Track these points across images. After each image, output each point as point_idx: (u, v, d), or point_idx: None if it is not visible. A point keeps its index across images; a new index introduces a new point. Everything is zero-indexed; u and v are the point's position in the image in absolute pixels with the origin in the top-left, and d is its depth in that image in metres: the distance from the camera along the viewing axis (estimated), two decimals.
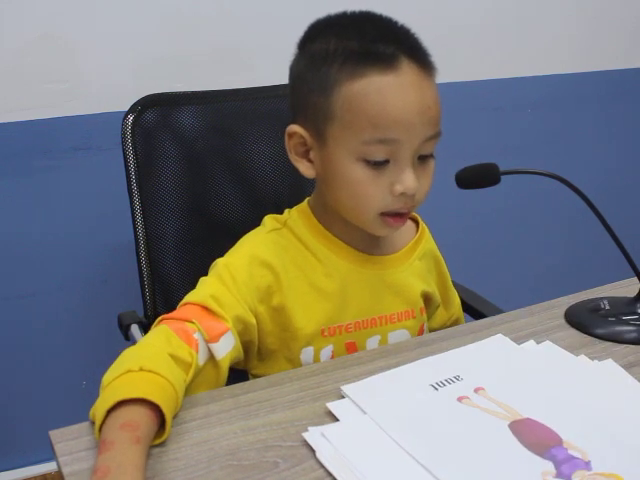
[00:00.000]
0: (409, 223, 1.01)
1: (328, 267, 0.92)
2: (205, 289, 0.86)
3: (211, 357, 0.82)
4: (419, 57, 0.84)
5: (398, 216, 0.87)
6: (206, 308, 0.83)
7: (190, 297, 0.85)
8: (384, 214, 0.86)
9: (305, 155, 0.89)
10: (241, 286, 0.86)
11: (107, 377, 0.71)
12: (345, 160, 0.84)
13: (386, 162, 0.83)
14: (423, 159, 0.85)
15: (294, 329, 0.91)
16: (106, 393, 0.69)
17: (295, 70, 0.90)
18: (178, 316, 0.82)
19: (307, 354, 0.92)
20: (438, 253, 1.06)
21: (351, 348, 0.94)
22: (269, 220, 0.96)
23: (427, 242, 1.03)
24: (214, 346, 0.81)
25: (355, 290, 0.93)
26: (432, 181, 0.88)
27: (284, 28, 1.58)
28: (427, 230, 1.04)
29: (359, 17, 0.87)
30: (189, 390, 0.77)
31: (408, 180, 0.83)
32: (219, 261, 0.90)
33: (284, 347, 0.92)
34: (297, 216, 0.95)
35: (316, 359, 0.93)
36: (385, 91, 0.81)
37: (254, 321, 0.88)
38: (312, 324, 0.91)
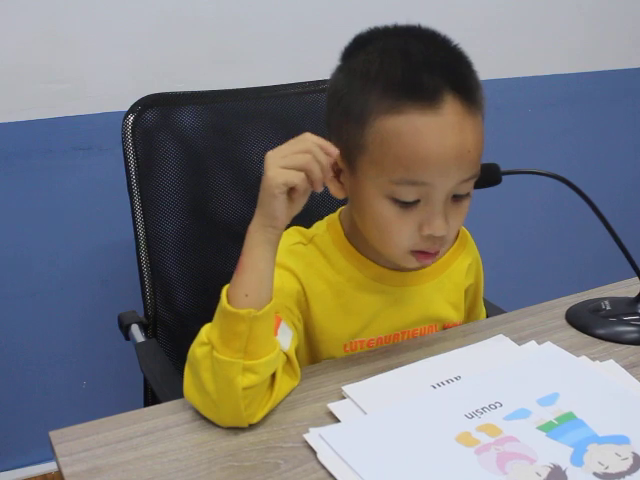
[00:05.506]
0: None
1: (353, 285, 0.89)
2: None
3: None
4: (465, 92, 0.77)
5: (427, 254, 0.82)
6: None
7: None
8: (413, 252, 0.81)
9: (336, 175, 0.83)
10: (278, 293, 0.81)
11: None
12: (373, 195, 0.79)
13: (416, 202, 0.78)
14: (458, 198, 0.80)
15: (316, 341, 0.89)
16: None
17: (333, 84, 0.84)
18: None
19: None
20: (479, 266, 1.00)
21: None
22: (294, 232, 0.91)
23: (464, 259, 0.97)
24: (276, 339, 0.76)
25: (380, 308, 0.91)
26: (464, 219, 0.84)
27: (284, 28, 1.59)
28: (470, 242, 0.99)
29: (406, 34, 0.81)
30: (279, 392, 0.75)
31: (437, 224, 0.78)
32: None
33: (308, 349, 0.91)
34: (325, 230, 0.91)
35: None
36: (421, 133, 0.75)
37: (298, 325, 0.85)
38: (333, 339, 0.89)
